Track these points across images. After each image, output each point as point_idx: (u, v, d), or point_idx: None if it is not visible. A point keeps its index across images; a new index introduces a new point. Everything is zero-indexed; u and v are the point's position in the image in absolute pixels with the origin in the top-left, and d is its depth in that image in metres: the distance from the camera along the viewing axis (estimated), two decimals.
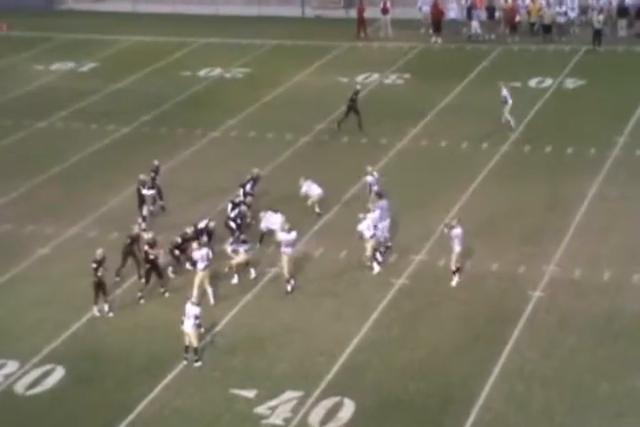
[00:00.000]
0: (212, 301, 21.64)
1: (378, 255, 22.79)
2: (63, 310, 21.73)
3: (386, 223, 23.19)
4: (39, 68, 39.16)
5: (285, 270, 22.01)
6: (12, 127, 32.83)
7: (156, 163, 26.16)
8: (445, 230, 22.05)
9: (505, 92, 29.78)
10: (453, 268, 21.80)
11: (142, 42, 42.18)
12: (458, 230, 21.57)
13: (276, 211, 23.72)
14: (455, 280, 21.77)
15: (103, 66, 39.29)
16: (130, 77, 37.41)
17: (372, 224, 22.36)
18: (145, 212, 25.06)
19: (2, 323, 21.45)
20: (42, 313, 21.74)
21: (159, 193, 25.93)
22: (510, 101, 29.70)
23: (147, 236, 22.10)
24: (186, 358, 19.58)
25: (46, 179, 28.81)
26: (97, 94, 35.74)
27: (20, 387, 19.25)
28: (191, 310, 19.42)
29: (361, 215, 22.51)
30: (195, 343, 19.48)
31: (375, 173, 25.15)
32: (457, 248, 21.61)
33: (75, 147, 30.96)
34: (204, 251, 21.66)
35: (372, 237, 22.31)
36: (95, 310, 21.46)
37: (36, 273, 23.55)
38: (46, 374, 19.55)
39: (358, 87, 31.68)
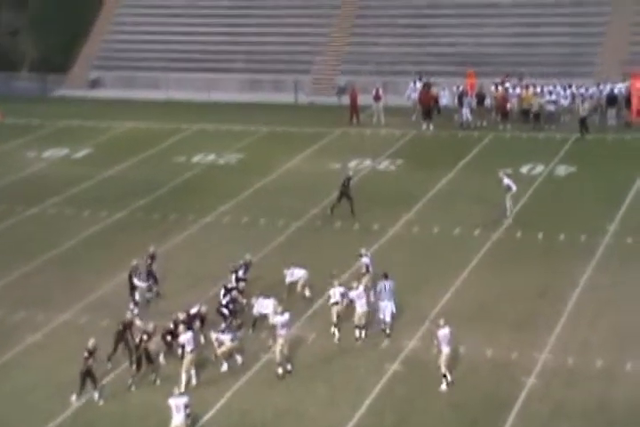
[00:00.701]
0: (193, 382, 21.96)
1: (356, 331, 23.74)
2: (53, 397, 21.95)
3: (388, 305, 23.77)
4: (32, 154, 40.12)
5: (278, 354, 22.39)
6: (5, 213, 33.55)
7: (151, 250, 26.75)
8: (433, 329, 22.20)
9: (507, 180, 30.63)
10: (443, 370, 21.55)
11: (136, 128, 43.31)
12: (445, 331, 21.56)
13: (267, 296, 24.28)
14: (444, 384, 21.47)
15: (97, 152, 40.29)
16: (123, 164, 38.34)
17: (340, 293, 23.83)
18: (137, 297, 25.54)
19: None
20: (32, 400, 21.96)
21: (154, 279, 26.48)
22: (514, 189, 30.55)
23: (145, 326, 22.51)
24: None
25: (38, 264, 29.32)
26: (90, 181, 36.59)
27: None
28: (180, 401, 19.66)
29: (335, 282, 23.98)
30: None
31: (368, 254, 25.89)
32: (445, 349, 21.57)
33: (67, 232, 31.59)
34: (189, 334, 22.18)
35: (335, 304, 23.76)
36: (73, 399, 21.67)
37: (27, 360, 23.83)
38: None
39: (350, 173, 32.63)
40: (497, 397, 21.28)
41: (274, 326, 22.80)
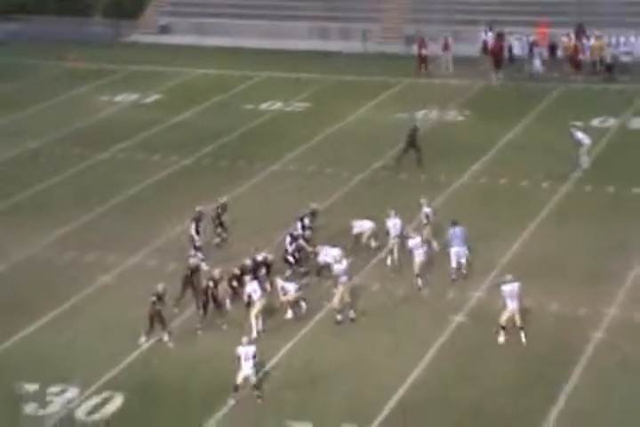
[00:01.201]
0: (260, 328, 21.99)
1: (417, 280, 23.64)
2: (123, 338, 22.16)
3: (460, 250, 23.72)
4: (104, 99, 40.13)
5: (337, 301, 22.28)
6: (77, 157, 33.66)
7: (224, 199, 26.58)
8: (499, 283, 21.69)
9: (580, 134, 29.80)
10: (503, 323, 21.07)
11: (205, 75, 43.08)
12: (510, 286, 20.98)
13: (334, 245, 24.08)
14: (503, 337, 21.10)
15: (166, 98, 40.17)
16: (192, 110, 38.21)
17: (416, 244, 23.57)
18: (198, 243, 25.38)
19: (64, 349, 21.95)
20: (102, 340, 22.21)
21: (223, 228, 26.34)
22: (587, 143, 29.72)
23: (212, 272, 22.48)
24: (234, 398, 19.63)
25: (109, 208, 29.50)
26: (159, 126, 36.54)
27: (80, 413, 19.69)
28: (249, 350, 19.59)
29: (411, 234, 23.91)
30: (254, 380, 19.67)
31: (429, 204, 25.70)
32: (511, 305, 21.03)
33: (137, 177, 31.66)
34: (255, 284, 22.19)
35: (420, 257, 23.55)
36: (142, 340, 21.85)
37: (98, 300, 24.10)
38: (105, 402, 19.96)
39: (418, 124, 32.04)
40: (562, 351, 20.95)
41: (335, 275, 22.64)
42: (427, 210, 25.33)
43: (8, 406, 19.83)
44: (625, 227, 26.41)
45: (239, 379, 19.58)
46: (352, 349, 21.51)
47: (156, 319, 21.73)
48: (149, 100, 40.15)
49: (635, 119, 34.58)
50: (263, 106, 38.46)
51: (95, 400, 20.03)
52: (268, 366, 20.91)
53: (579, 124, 31.89)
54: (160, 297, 21.65)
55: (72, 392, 20.24)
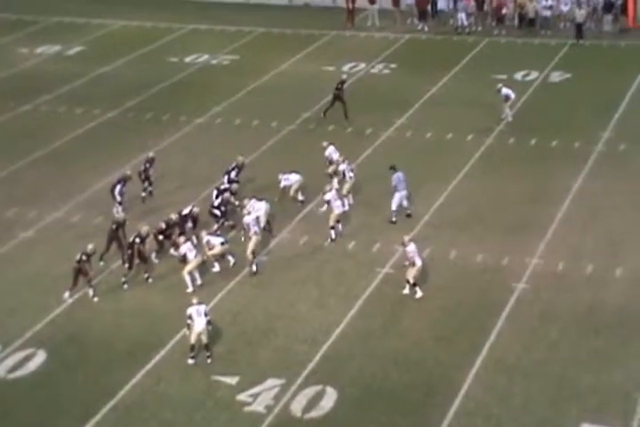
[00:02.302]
0: (190, 288, 21.46)
1: (339, 225, 23.53)
2: (46, 293, 21.48)
3: (404, 193, 23.98)
4: (24, 51, 38.63)
5: (249, 251, 21.94)
6: None
7: (150, 155, 25.79)
8: (401, 249, 21.45)
9: (505, 90, 29.59)
10: (412, 281, 20.90)
11: (129, 26, 41.71)
12: (412, 247, 20.89)
13: (260, 199, 23.53)
14: (419, 293, 20.90)
15: (89, 50, 38.81)
16: (116, 62, 36.97)
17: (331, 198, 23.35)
18: (118, 198, 24.45)
19: None
20: (24, 296, 21.50)
21: (149, 182, 25.58)
22: (512, 97, 29.62)
23: (141, 229, 21.73)
24: (193, 357, 19.02)
25: (31, 161, 28.46)
26: (82, 78, 35.30)
27: (1, 370, 19.03)
28: (201, 308, 18.94)
29: (327, 187, 23.61)
30: (205, 340, 19.03)
31: (331, 147, 25.89)
32: (418, 262, 20.89)
33: (60, 130, 30.58)
34: (189, 244, 21.63)
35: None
36: (67, 295, 21.18)
37: (19, 256, 23.27)
38: (28, 358, 19.34)
39: (344, 77, 31.51)
40: (487, 300, 20.87)
41: (247, 226, 22.17)
42: (343, 166, 24.85)
43: None
44: (546, 178, 26.34)
45: (193, 338, 18.88)
46: (280, 302, 21.14)
47: (82, 275, 21.01)
48: (72, 52, 38.75)
49: (555, 73, 34.44)
50: (188, 58, 37.39)
51: (17, 357, 19.37)
52: None
53: (503, 79, 31.54)
54: (89, 256, 20.93)
55: None
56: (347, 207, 24.36)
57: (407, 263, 21.05)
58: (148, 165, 25.58)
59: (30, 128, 31.07)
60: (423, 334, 19.82)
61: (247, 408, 17.79)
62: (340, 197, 23.88)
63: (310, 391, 18.15)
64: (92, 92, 33.85)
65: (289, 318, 20.51)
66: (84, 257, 20.85)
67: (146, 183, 25.54)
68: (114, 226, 22.46)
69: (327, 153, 25.94)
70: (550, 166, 27.11)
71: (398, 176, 24.17)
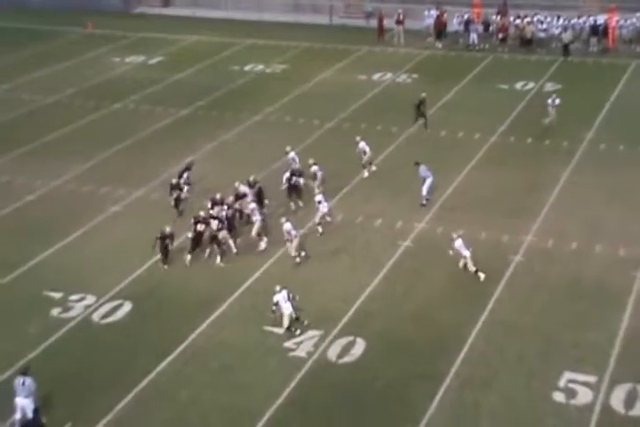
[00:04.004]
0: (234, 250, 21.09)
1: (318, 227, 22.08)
2: (131, 256, 21.48)
3: (431, 180, 23.32)
4: (117, 59, 38.59)
5: (293, 248, 21.06)
6: (94, 108, 32.39)
7: (190, 160, 25.00)
8: (449, 242, 20.43)
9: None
10: (472, 269, 19.93)
11: (199, 41, 41.45)
12: (459, 241, 20.20)
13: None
14: (483, 276, 19.87)
15: (167, 60, 38.63)
16: (188, 70, 36.77)
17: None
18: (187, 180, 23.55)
19: (81, 265, 21.30)
20: (114, 258, 21.55)
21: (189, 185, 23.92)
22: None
23: (212, 224, 20.90)
24: (295, 330, 18.19)
25: (119, 149, 28.43)
26: (162, 83, 35.19)
27: (96, 316, 19.19)
28: (284, 293, 18.26)
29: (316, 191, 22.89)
30: (294, 315, 18.20)
31: (293, 153, 24.41)
32: (465, 253, 20.17)
33: (143, 124, 30.50)
34: (253, 205, 21.29)
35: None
36: (188, 258, 20.89)
37: (109, 226, 23.31)
38: (117, 308, 19.43)
39: (423, 95, 29.44)
40: (489, 271, 20.51)
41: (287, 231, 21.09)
42: (315, 168, 23.68)
43: (38, 309, 19.34)
44: (539, 171, 25.87)
45: (285, 321, 18.18)
46: (319, 268, 20.96)
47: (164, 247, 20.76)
48: (154, 61, 38.59)
49: (548, 83, 33.73)
50: (247, 67, 37.08)
51: (108, 307, 19.45)
52: (251, 279, 20.32)
53: (505, 88, 30.74)
54: (165, 237, 20.71)
55: (89, 300, 19.69)
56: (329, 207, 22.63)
57: (457, 254, 20.08)
58: (187, 172, 23.89)
59: (120, 122, 31.04)
60: (435, 297, 19.60)
61: (292, 353, 17.73)
62: (327, 198, 22.62)
63: (343, 341, 18.05)
64: (170, 94, 33.73)
65: (326, 282, 20.36)
66: (160, 236, 20.46)
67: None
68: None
69: (361, 146, 25.53)
70: (543, 161, 26.62)
71: (422, 168, 23.73)
